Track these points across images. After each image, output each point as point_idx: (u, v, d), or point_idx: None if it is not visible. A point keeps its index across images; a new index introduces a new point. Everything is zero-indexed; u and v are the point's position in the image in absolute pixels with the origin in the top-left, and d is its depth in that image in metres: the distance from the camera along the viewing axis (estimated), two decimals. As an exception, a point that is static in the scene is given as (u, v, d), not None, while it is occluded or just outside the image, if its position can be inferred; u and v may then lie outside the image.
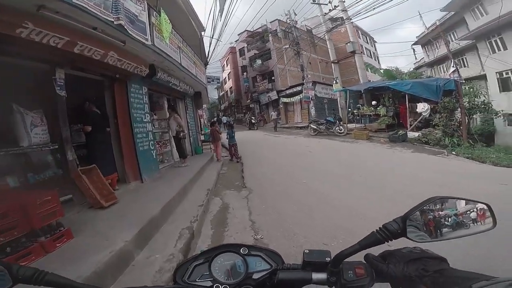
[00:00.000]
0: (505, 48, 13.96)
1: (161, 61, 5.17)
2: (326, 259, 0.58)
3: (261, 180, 5.83)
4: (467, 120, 10.27)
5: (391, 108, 13.03)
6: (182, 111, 8.22)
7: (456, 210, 0.54)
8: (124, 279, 2.07)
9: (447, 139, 9.52)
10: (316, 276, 0.58)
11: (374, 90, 14.22)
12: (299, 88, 19.29)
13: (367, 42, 31.54)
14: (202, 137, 10.21)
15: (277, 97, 22.65)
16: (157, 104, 6.93)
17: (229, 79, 33.74)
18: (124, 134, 4.58)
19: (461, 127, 9.75)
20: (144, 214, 3.05)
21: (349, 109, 15.37)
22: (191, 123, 8.81)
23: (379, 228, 0.53)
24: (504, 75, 14.29)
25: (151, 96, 6.03)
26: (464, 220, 0.54)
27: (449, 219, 0.54)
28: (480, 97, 11.28)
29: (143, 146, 4.90)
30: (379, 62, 31.95)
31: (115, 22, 3.33)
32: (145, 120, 5.08)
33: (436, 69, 21.91)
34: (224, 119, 25.73)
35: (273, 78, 24.29)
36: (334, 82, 16.92)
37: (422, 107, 11.08)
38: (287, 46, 20.52)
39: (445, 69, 17.91)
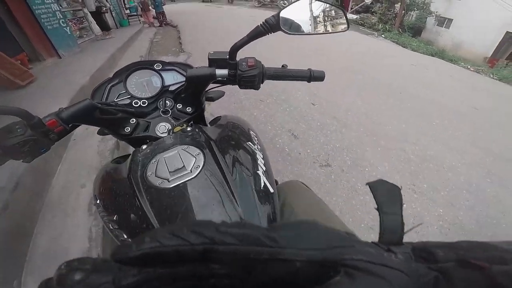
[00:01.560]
0: None
1: None
2: (227, 56, 0.61)
3: (202, 44, 5.57)
4: (403, 14, 10.94)
5: (338, -9, 12.67)
6: None
7: (320, 9, 0.60)
8: (69, 157, 1.94)
9: (380, 25, 10.44)
10: (219, 72, 0.61)
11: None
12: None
13: None
14: (128, 11, 9.16)
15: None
16: None
17: None
18: (22, 17, 3.89)
19: (396, 18, 10.49)
20: (72, 85, 2.89)
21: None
22: None
23: (262, 22, 0.55)
24: None
25: None
26: (326, 19, 0.61)
27: (316, 16, 0.60)
28: None
29: (51, 25, 4.37)
30: None
31: None
32: (47, 1, 4.31)
33: None
34: None
35: None
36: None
37: (367, -6, 11.15)
38: None
39: None
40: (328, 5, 0.61)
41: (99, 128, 0.67)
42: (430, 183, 2.20)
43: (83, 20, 5.91)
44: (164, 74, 0.71)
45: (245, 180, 0.48)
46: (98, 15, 5.83)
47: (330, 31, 0.62)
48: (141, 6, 8.82)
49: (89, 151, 1.95)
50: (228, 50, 0.60)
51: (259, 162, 0.53)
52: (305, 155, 2.27)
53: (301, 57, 5.12)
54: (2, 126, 0.48)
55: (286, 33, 0.56)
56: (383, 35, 9.53)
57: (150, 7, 9.20)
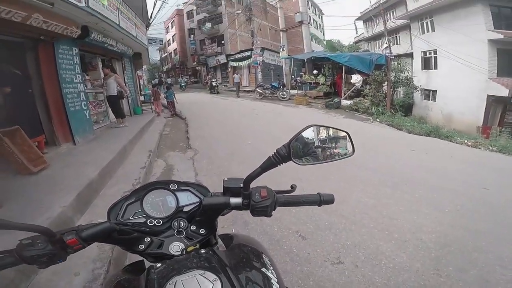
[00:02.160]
0: (433, 30, 14.90)
1: (96, 22, 4.78)
2: (240, 184, 0.64)
3: (208, 141, 5.78)
4: (392, 93, 11.84)
5: (329, 78, 14.22)
6: (119, 72, 7.77)
7: (331, 136, 0.65)
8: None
9: (373, 108, 10.96)
10: (233, 200, 0.65)
11: (316, 59, 15.10)
12: (248, 53, 19.29)
13: (315, 14, 31.99)
14: (142, 98, 10.10)
15: (226, 61, 22.32)
16: (90, 65, 6.51)
17: (173, 41, 32.27)
18: (52, 95, 4.24)
19: (386, 98, 11.27)
20: (81, 178, 2.87)
21: (293, 76, 16.23)
22: (130, 83, 8.56)
23: (273, 153, 0.60)
24: (427, 55, 15.48)
25: (83, 56, 5.63)
26: (336, 146, 0.66)
27: (326, 145, 0.64)
28: (404, 73, 12.92)
29: (74, 107, 4.63)
30: (323, 34, 33.14)
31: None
32: (75, 80, 4.75)
33: (373, 44, 23.55)
34: (169, 80, 25.81)
35: (222, 42, 23.66)
36: (281, 49, 17.39)
37: (356, 78, 12.34)
38: (240, 11, 19.85)
39: (380, 44, 18.78)
40: (332, 129, 0.66)
41: None
42: (456, 265, 2.10)
43: (102, 104, 6.23)
44: (179, 194, 0.73)
45: None
46: (115, 100, 6.11)
47: (337, 158, 0.67)
48: (153, 95, 9.79)
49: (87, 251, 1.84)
50: (243, 178, 0.64)
51: (274, 286, 0.55)
52: (315, 254, 2.19)
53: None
54: (26, 238, 0.52)
55: (298, 163, 0.60)
56: (378, 119, 10.04)
57: (162, 95, 10.30)
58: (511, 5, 12.29)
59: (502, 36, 11.44)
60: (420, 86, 14.00)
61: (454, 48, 12.51)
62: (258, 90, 14.89)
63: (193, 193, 0.75)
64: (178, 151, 5.20)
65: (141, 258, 0.69)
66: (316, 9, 32.38)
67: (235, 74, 16.94)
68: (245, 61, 20.10)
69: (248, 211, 0.65)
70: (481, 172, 5.10)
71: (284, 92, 13.96)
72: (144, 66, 16.66)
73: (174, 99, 10.26)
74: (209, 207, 0.65)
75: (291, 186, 0.71)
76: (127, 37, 6.58)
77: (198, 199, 0.73)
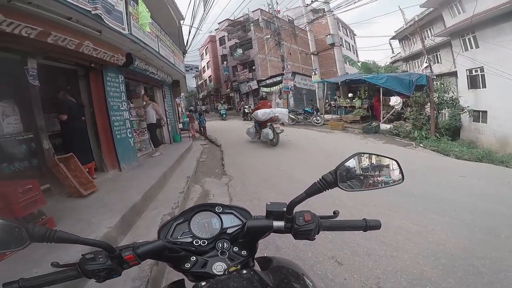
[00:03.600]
0: (477, 46, 14.11)
1: (138, 50, 5.16)
2: (283, 208, 0.67)
3: (242, 168, 5.83)
4: (435, 115, 10.94)
5: (366, 101, 13.66)
6: (159, 100, 8.25)
7: (374, 164, 0.66)
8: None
9: (416, 132, 10.14)
10: (276, 224, 0.67)
11: (351, 82, 14.76)
12: (279, 78, 19.42)
13: (347, 35, 32.06)
14: (181, 125, 10.61)
15: (257, 87, 22.69)
16: (134, 92, 6.97)
17: (208, 68, 33.59)
18: (101, 122, 4.59)
19: (430, 121, 10.43)
20: (125, 201, 3.09)
21: (327, 100, 15.96)
22: (169, 111, 8.92)
23: (319, 179, 0.62)
24: (474, 73, 14.49)
25: (128, 84, 6.01)
26: (381, 174, 0.67)
27: (369, 172, 0.66)
28: (449, 93, 11.94)
29: (120, 134, 4.93)
30: (357, 55, 32.71)
31: (92, 12, 3.31)
32: (122, 108, 5.08)
33: (411, 63, 22.68)
34: (203, 107, 27.51)
35: (253, 67, 24.34)
36: (313, 73, 17.28)
37: (395, 101, 11.72)
38: (269, 36, 20.54)
39: (419, 64, 18.10)
40: (382, 157, 0.67)
41: None
42: None
43: (145, 132, 6.54)
44: (223, 216, 0.78)
45: None
46: (154, 129, 6.35)
47: (385, 185, 0.67)
48: (188, 118, 10.87)
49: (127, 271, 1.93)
50: (287, 203, 0.66)
51: None
52: (352, 280, 2.09)
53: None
54: (89, 252, 0.57)
55: (344, 190, 0.62)
56: (421, 144, 9.26)
57: (195, 122, 11.44)
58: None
59: None
60: (468, 107, 12.69)
61: (503, 65, 11.44)
62: (290, 115, 14.71)
63: (236, 216, 0.79)
64: (214, 177, 5.32)
65: (180, 277, 0.73)
66: (348, 30, 32.41)
67: (278, 100, 15.84)
68: (276, 86, 20.25)
69: (288, 234, 0.68)
70: None
71: (318, 117, 13.60)
72: (182, 94, 17.45)
73: (205, 125, 11.68)
74: (252, 230, 0.68)
75: (334, 212, 0.71)
76: (167, 64, 7.00)
77: (240, 222, 0.77)
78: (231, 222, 0.78)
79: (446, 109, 12.57)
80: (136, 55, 5.39)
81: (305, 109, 14.68)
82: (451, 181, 5.17)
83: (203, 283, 0.57)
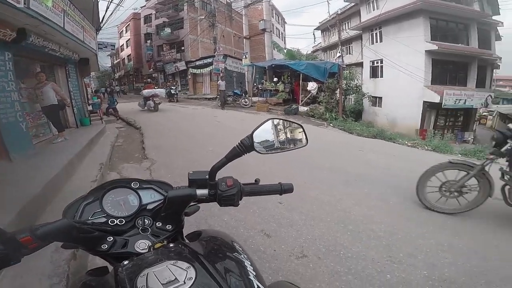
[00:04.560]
0: (381, 40, 16.29)
1: (36, 25, 4.36)
2: (206, 176, 0.66)
3: (166, 150, 5.56)
4: (343, 99, 12.76)
5: (288, 85, 14.87)
6: (62, 80, 7.15)
7: (284, 130, 0.71)
8: (11, 271, 1.75)
9: (327, 114, 11.72)
10: (199, 192, 0.65)
11: (276, 67, 15.65)
12: (209, 60, 19.10)
13: (278, 22, 33.05)
14: (90, 107, 9.43)
15: (185, 68, 21.89)
16: (27, 72, 5.81)
17: (127, 46, 30.74)
18: None
19: (339, 105, 12.14)
20: (21, 195, 2.68)
21: (255, 84, 16.68)
22: (75, 91, 7.83)
23: (238, 143, 0.63)
24: (375, 64, 16.95)
25: (18, 62, 5.03)
26: (290, 138, 0.72)
27: (280, 137, 0.71)
28: (354, 81, 13.99)
29: (7, 118, 4.16)
30: (285, 42, 34.41)
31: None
32: (8, 88, 4.25)
33: (328, 53, 25.11)
34: (118, 88, 25.98)
35: (182, 48, 23.14)
36: (244, 57, 17.56)
37: (312, 86, 13.07)
38: (203, 17, 19.65)
39: (335, 54, 19.60)
40: (289, 122, 0.72)
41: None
42: (405, 251, 2.33)
43: (42, 115, 5.66)
44: (141, 192, 0.71)
45: (239, 286, 0.49)
46: (56, 111, 5.56)
47: (293, 147, 0.73)
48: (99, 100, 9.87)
49: (41, 260, 1.82)
50: (208, 170, 0.65)
51: (248, 268, 0.55)
52: (280, 251, 2.33)
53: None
54: None
55: (260, 153, 0.66)
56: (331, 124, 10.81)
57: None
58: (446, 18, 14.07)
59: (436, 47, 13.09)
60: (368, 93, 15.30)
61: (398, 58, 13.97)
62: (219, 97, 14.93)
63: (156, 190, 0.73)
64: (133, 163, 4.96)
65: (103, 265, 0.66)
66: (280, 17, 33.47)
67: (219, 81, 14.63)
68: (207, 68, 19.94)
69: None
70: (419, 168, 5.71)
71: (246, 99, 14.19)
72: (93, 73, 15.88)
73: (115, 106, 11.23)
74: (175, 200, 0.64)
75: (255, 180, 0.74)
76: (73, 41, 6.13)
77: (162, 197, 0.71)
78: (151, 197, 0.72)
79: (352, 94, 14.78)
80: (33, 30, 4.58)
81: (235, 91, 15.06)
82: (353, 155, 6.27)
83: (126, 262, 0.53)
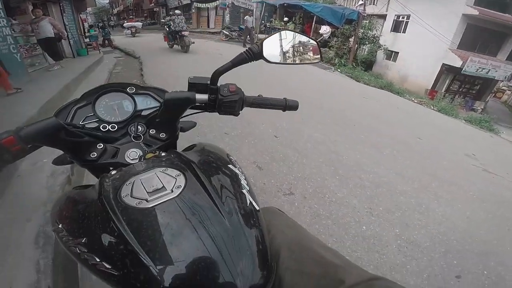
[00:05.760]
0: None
1: None
2: (207, 81, 0.60)
3: (164, 77, 5.43)
4: (356, 48, 12.09)
5: (299, 26, 13.84)
6: (57, 15, 6.96)
7: (298, 42, 0.66)
8: (11, 191, 1.72)
9: (337, 59, 11.25)
10: (199, 96, 0.59)
11: (288, 7, 14.43)
12: (216, -6, 17.36)
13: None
14: (88, 40, 9.79)
15: (189, 1, 19.96)
16: (17, 9, 5.91)
17: None
18: None
19: (350, 53, 11.53)
20: (15, 117, 2.66)
21: (263, 21, 15.66)
22: (71, 25, 7.85)
23: (246, 49, 0.57)
24: (400, 18, 15.23)
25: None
26: (302, 52, 0.67)
27: (294, 48, 0.65)
28: (373, 31, 13.04)
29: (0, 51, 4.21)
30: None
31: None
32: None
33: (349, 0, 22.81)
34: (112, 23, 27.17)
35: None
36: (255, -8, 16.04)
37: (325, 30, 12.28)
38: None
39: (356, 1, 18.56)
40: (304, 37, 0.67)
41: (53, 158, 0.64)
42: (385, 206, 2.36)
43: (36, 47, 5.72)
44: (137, 98, 0.67)
45: (231, 198, 0.47)
46: (53, 43, 5.62)
47: (306, 61, 0.68)
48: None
49: (36, 186, 1.77)
50: (210, 76, 0.60)
51: (242, 182, 0.52)
52: (270, 185, 2.36)
53: (265, 86, 5.36)
54: None
55: (268, 61, 0.60)
56: (339, 70, 10.35)
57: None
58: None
59: (477, 13, 11.69)
60: (385, 45, 14.33)
61: (428, 16, 12.60)
62: (224, 31, 14.04)
63: (153, 97, 0.68)
64: None
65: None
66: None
67: (247, 16, 12.88)
68: (212, 3, 18.21)
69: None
70: (419, 125, 5.75)
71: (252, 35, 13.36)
72: (89, 9, 15.51)
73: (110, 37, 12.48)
74: (171, 103, 0.58)
75: (258, 95, 0.69)
76: None
77: (158, 103, 0.67)
78: (147, 104, 0.67)
79: (367, 44, 13.88)
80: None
81: (241, 26, 14.10)
82: (356, 102, 6.11)
83: (113, 172, 0.50)
